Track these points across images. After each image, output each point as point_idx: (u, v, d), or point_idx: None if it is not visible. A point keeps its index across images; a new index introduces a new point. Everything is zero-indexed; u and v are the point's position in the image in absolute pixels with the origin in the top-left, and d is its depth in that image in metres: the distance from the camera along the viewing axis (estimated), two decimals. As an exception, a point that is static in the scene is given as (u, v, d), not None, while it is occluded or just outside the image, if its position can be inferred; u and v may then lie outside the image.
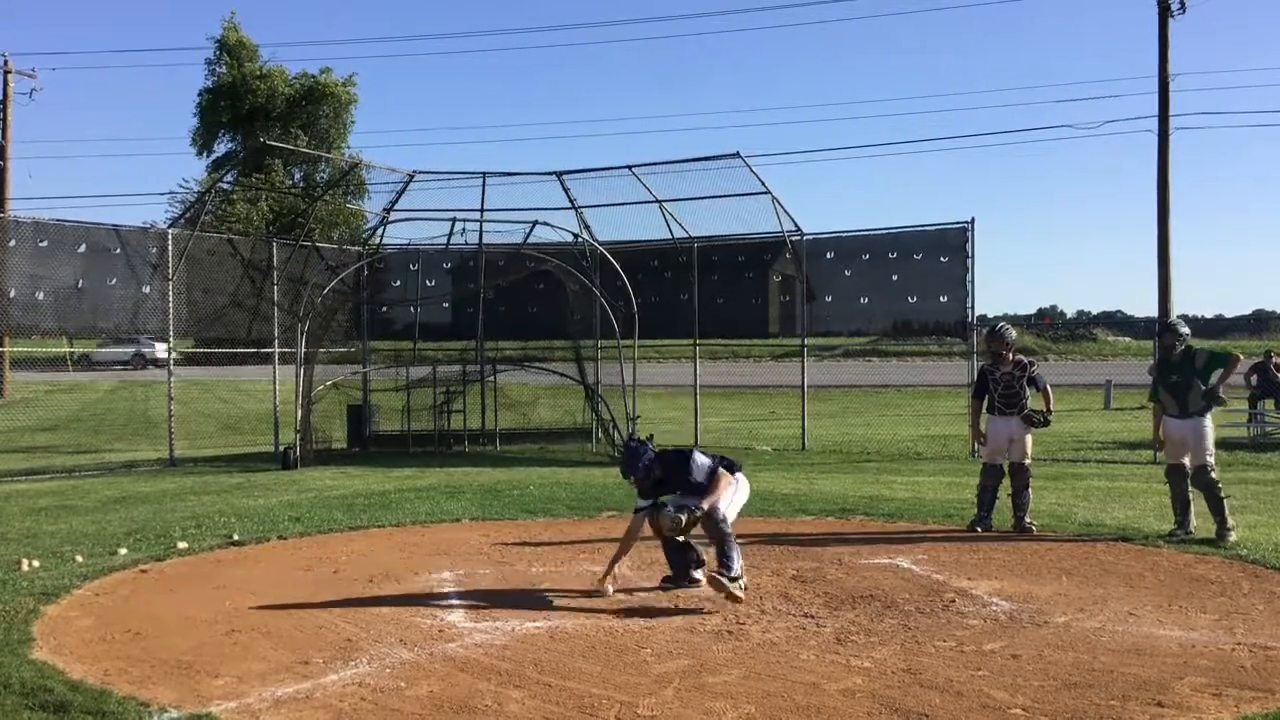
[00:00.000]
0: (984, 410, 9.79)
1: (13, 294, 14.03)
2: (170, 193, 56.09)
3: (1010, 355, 9.65)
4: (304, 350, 15.74)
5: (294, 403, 15.73)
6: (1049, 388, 9.66)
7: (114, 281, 15.06)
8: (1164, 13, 27.54)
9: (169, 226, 17.03)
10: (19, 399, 30.13)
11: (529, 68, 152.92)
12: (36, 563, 8.01)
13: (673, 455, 7.09)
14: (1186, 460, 8.94)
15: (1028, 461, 9.56)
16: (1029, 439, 9.61)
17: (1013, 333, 9.82)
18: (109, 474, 14.47)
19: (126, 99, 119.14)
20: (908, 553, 8.43)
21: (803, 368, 17.51)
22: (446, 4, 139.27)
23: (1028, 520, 9.40)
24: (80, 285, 14.73)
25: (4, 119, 33.98)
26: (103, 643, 5.98)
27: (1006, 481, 9.58)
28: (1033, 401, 9.65)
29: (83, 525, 9.89)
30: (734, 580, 6.59)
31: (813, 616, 6.50)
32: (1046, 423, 9.66)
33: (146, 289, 15.31)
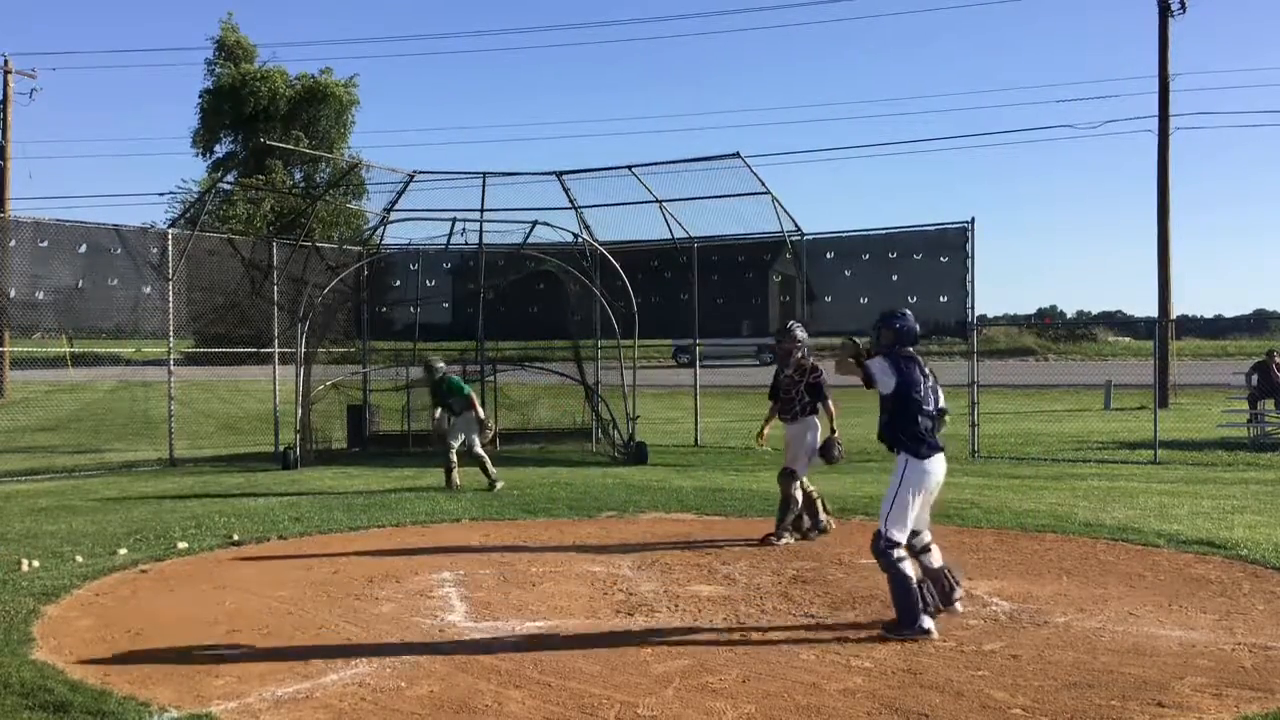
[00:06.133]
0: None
1: (13, 294, 14.03)
2: (170, 193, 56.07)
3: (799, 357, 8.88)
4: (304, 350, 15.75)
5: (294, 403, 15.74)
6: (831, 403, 8.78)
7: (114, 281, 15.07)
8: (1164, 13, 27.56)
9: (169, 227, 17.03)
10: (19, 399, 30.14)
11: (529, 67, 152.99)
12: (36, 563, 8.01)
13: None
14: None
15: (797, 467, 8.77)
16: (809, 445, 8.77)
17: (801, 333, 9.02)
18: (109, 474, 14.47)
19: (127, 99, 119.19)
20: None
21: (803, 368, 17.47)
22: (446, 4, 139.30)
23: (777, 533, 8.77)
24: (80, 285, 14.73)
25: (4, 119, 33.98)
26: (103, 643, 5.98)
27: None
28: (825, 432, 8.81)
29: (83, 525, 9.89)
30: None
31: (813, 616, 6.51)
32: (833, 453, 8.58)
33: (147, 289, 15.32)
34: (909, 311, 6.41)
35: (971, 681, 5.20)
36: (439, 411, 12.82)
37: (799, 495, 8.88)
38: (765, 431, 9.39)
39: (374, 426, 17.75)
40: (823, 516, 9.11)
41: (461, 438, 12.36)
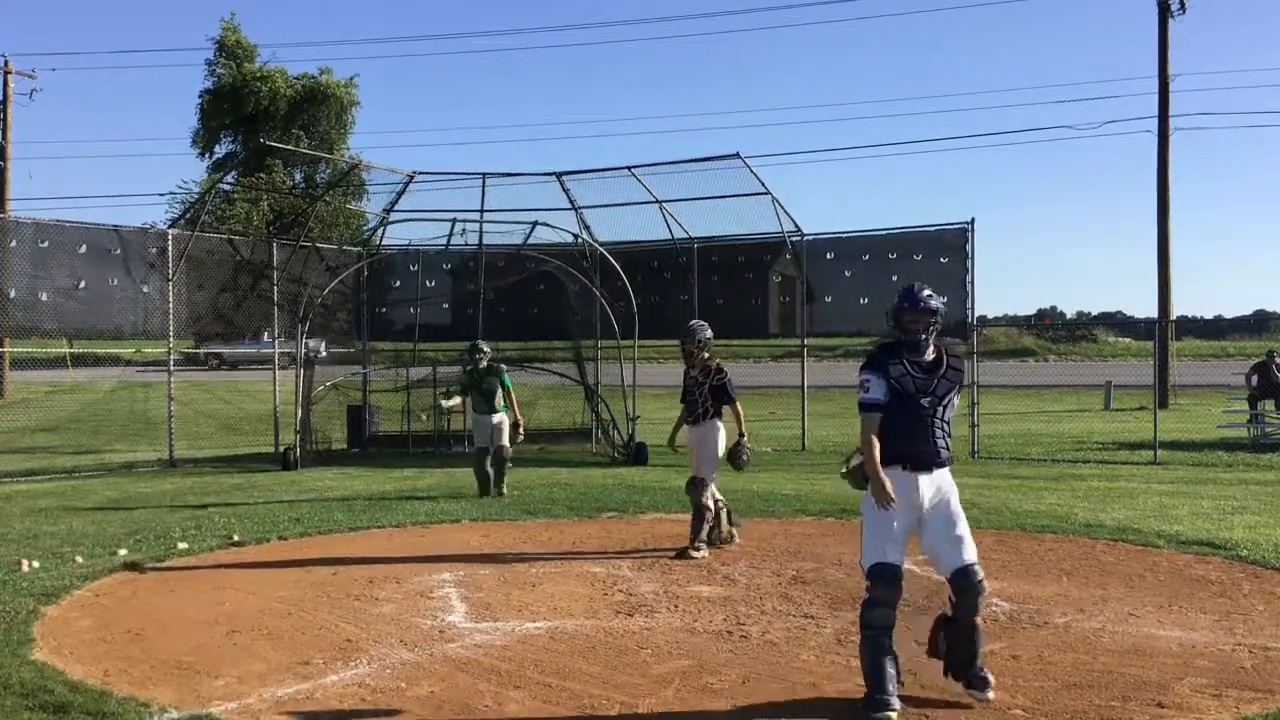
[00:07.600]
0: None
1: (13, 294, 14.03)
2: (170, 193, 56.01)
3: (702, 356, 8.53)
4: (304, 351, 15.74)
5: (294, 403, 15.74)
6: (739, 405, 8.51)
7: (115, 282, 15.07)
8: (1164, 13, 27.55)
9: (169, 227, 17.02)
10: (19, 399, 30.13)
11: (529, 68, 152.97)
12: (36, 563, 8.01)
13: None
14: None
15: (705, 475, 8.45)
16: (711, 450, 8.49)
17: (705, 332, 8.61)
18: (109, 474, 14.47)
19: (127, 99, 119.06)
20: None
21: (803, 368, 17.50)
22: (447, 5, 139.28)
23: (693, 545, 8.30)
24: (80, 286, 14.73)
25: (4, 119, 33.96)
26: (103, 643, 5.98)
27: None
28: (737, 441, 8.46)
29: (83, 526, 9.89)
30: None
31: (813, 617, 6.50)
32: (740, 459, 8.43)
33: (146, 289, 15.32)
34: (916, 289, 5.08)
35: (971, 682, 5.19)
36: (454, 401, 12.81)
37: (711, 504, 8.50)
38: (676, 437, 9.13)
39: (374, 427, 17.74)
40: (725, 529, 8.67)
41: (491, 438, 11.70)
